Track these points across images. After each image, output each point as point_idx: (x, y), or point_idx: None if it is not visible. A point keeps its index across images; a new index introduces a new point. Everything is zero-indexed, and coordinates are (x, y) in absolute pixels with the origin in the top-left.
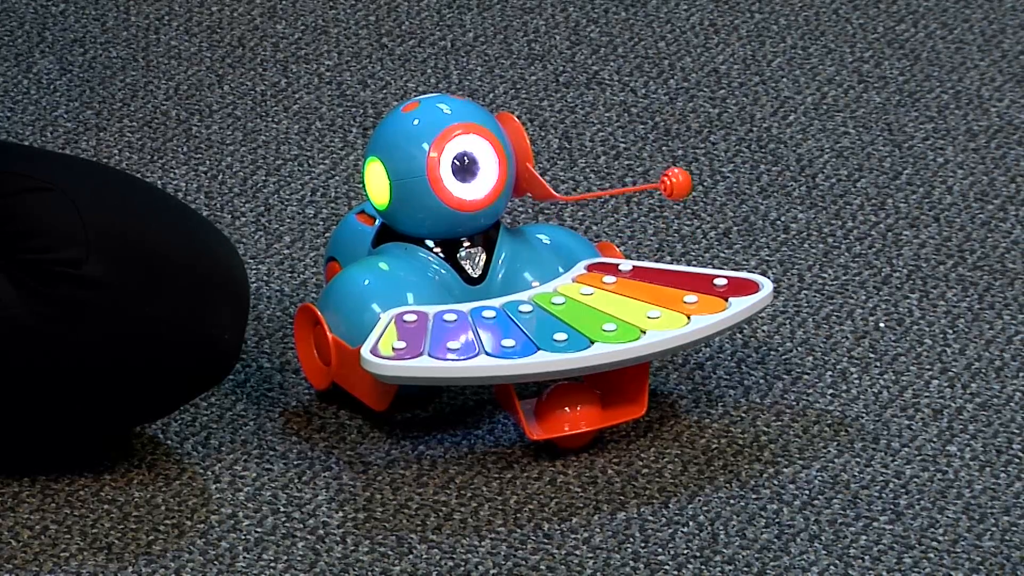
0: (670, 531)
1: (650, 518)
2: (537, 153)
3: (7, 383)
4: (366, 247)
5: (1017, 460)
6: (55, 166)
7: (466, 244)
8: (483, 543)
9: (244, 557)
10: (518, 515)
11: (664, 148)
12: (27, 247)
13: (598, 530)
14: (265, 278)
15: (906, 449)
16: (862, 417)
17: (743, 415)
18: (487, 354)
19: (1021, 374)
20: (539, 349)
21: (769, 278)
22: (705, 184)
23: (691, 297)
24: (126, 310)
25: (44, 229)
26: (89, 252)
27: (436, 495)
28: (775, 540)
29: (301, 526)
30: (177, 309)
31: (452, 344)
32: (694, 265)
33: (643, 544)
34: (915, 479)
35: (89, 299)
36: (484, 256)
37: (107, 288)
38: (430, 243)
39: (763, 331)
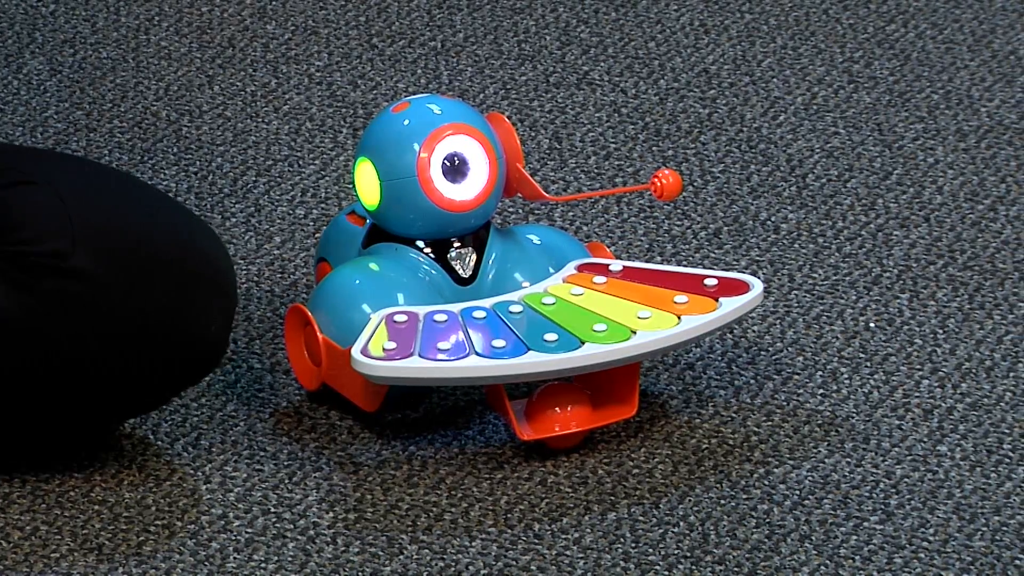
0: (660, 531)
1: (640, 518)
2: (527, 153)
3: None
4: (356, 247)
5: (1007, 460)
6: (41, 161)
7: (456, 244)
8: (473, 543)
9: (234, 558)
10: (508, 515)
11: (654, 148)
12: (12, 239)
13: (588, 530)
14: (255, 279)
15: (896, 449)
16: (852, 417)
17: (733, 415)
18: (477, 354)
19: (1011, 374)
20: (529, 349)
21: (759, 278)
22: (695, 184)
23: (681, 297)
24: (112, 302)
25: (30, 222)
26: (75, 244)
27: (426, 495)
28: (765, 540)
29: (292, 527)
30: (163, 301)
31: (442, 344)
32: (684, 265)
33: (634, 544)
34: (905, 479)
35: (75, 291)
36: (474, 256)
37: (93, 280)
38: (420, 243)
39: (753, 331)
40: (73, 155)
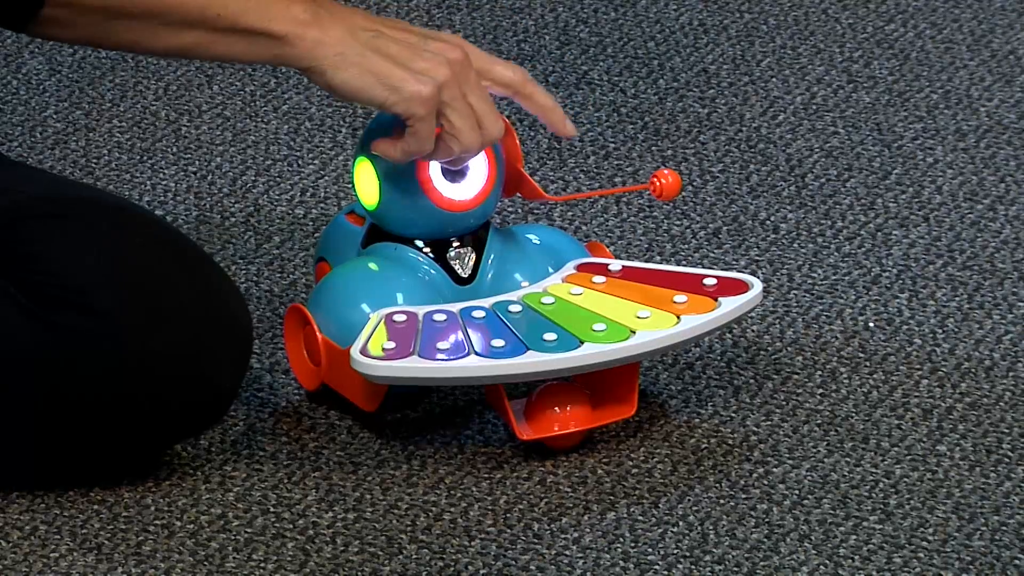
0: (660, 531)
1: (640, 518)
2: (527, 153)
3: (1, 406)
4: (356, 247)
5: (1007, 460)
6: (76, 196)
7: (455, 244)
8: (473, 543)
9: (234, 557)
10: (508, 515)
11: (654, 148)
12: (36, 270)
13: (588, 530)
14: (255, 279)
15: (896, 449)
16: (852, 417)
17: (733, 415)
18: (477, 354)
19: (1010, 373)
20: (529, 349)
21: (759, 278)
22: (695, 184)
23: (681, 297)
24: (126, 345)
25: (55, 255)
26: (97, 283)
27: (426, 495)
28: (765, 540)
29: (291, 526)
30: (178, 350)
31: (442, 344)
32: (684, 265)
33: (633, 544)
34: (905, 479)
35: (90, 329)
36: (473, 256)
37: (110, 321)
38: (420, 243)
39: (753, 331)
40: (112, 193)
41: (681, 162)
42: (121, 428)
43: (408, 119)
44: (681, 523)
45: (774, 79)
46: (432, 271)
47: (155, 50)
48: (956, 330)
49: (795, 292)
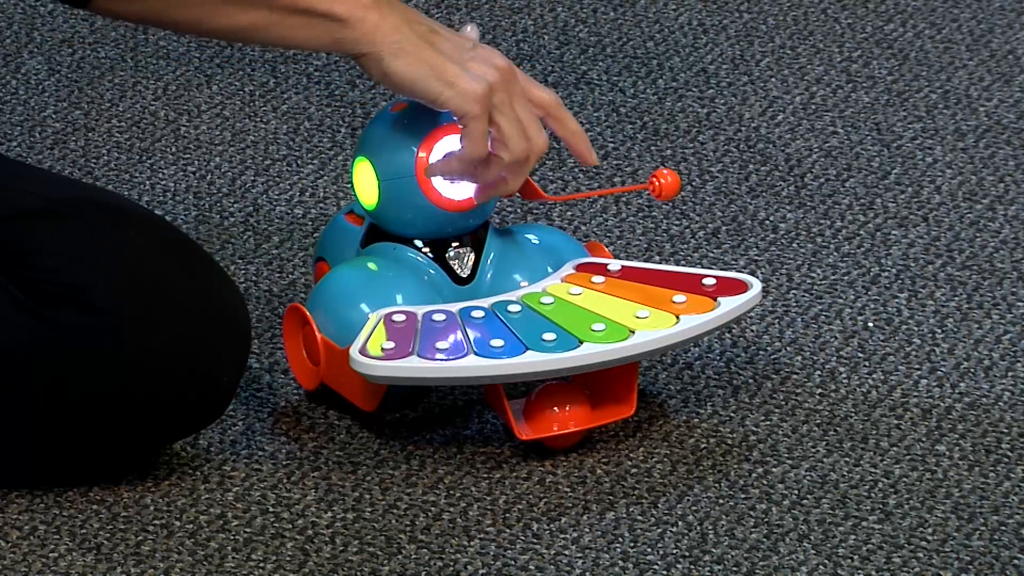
0: (659, 531)
1: (639, 518)
2: None
3: (1, 403)
4: (355, 247)
5: (1006, 459)
6: (76, 195)
7: (455, 244)
8: (472, 543)
9: (233, 557)
10: (507, 515)
11: (653, 148)
12: (35, 267)
13: (587, 530)
14: (254, 279)
15: (895, 448)
16: (851, 416)
17: (732, 415)
18: (476, 354)
19: (1009, 373)
20: (528, 349)
21: (758, 278)
22: (694, 184)
23: (680, 297)
24: (125, 341)
25: (54, 252)
26: (97, 280)
27: (425, 495)
28: (764, 540)
29: (290, 526)
30: (178, 347)
31: (441, 344)
32: (683, 265)
33: (632, 544)
34: (904, 478)
35: (89, 326)
36: (472, 256)
37: (109, 317)
38: (419, 243)
39: (752, 331)
40: (113, 192)
41: (680, 162)
42: (120, 425)
43: (462, 118)
44: (680, 523)
45: (773, 79)
46: (431, 271)
47: (216, 30)
48: (955, 330)
49: (794, 292)
